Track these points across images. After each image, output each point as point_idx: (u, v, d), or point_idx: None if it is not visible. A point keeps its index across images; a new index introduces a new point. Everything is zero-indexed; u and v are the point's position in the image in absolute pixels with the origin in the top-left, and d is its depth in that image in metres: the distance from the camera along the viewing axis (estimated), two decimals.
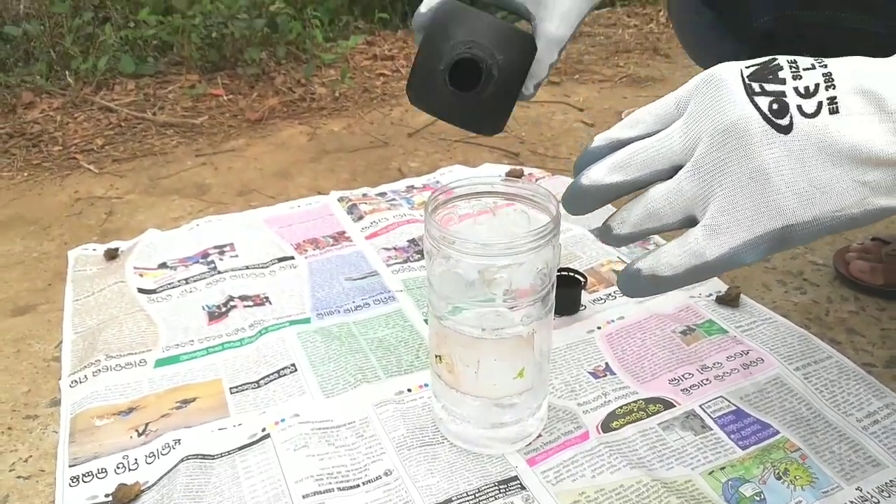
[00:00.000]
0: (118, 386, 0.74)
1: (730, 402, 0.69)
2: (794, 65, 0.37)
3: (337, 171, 1.28)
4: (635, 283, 0.40)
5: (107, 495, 0.61)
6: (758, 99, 0.36)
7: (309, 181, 1.25)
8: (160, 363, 0.77)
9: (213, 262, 0.97)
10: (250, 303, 0.87)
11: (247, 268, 0.95)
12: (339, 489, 0.60)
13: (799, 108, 0.36)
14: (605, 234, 0.43)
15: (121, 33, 1.82)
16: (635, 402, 0.69)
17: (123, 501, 0.60)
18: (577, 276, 0.85)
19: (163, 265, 0.97)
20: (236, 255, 0.98)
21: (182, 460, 0.63)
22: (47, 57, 1.72)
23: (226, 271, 0.94)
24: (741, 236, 0.37)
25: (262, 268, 0.95)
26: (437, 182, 1.20)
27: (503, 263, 0.55)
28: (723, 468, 0.62)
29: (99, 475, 0.63)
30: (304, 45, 1.85)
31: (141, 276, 0.94)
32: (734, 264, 0.38)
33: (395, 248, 0.98)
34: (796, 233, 0.37)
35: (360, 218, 1.06)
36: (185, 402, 0.72)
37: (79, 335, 0.83)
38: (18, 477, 0.64)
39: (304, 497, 0.59)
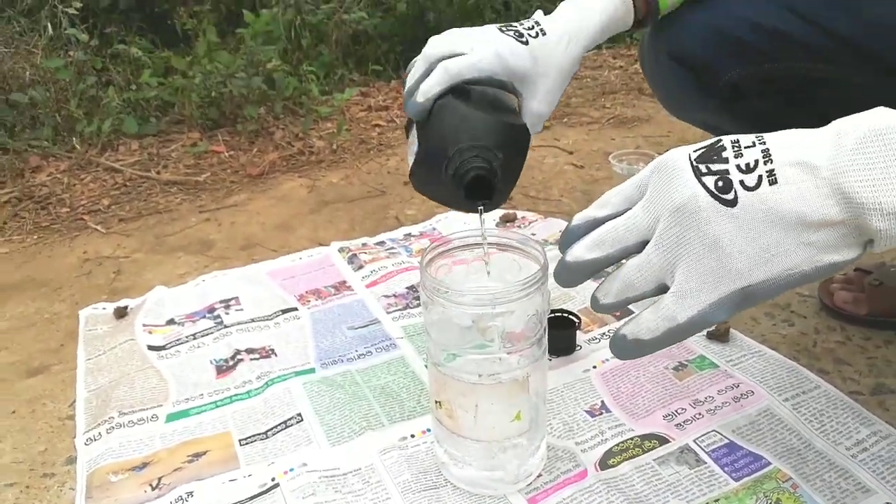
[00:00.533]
0: (131, 442, 0.76)
1: (722, 435, 0.71)
2: (736, 144, 0.42)
3: (336, 222, 1.32)
4: (623, 348, 0.45)
5: None
6: (705, 179, 0.41)
7: (310, 232, 1.28)
8: (171, 418, 0.80)
9: (219, 316, 1.00)
10: (256, 355, 0.90)
11: (252, 321, 0.98)
12: None
13: (741, 182, 0.40)
14: (594, 304, 0.48)
15: (123, 95, 1.88)
16: (631, 438, 0.72)
17: None
18: (571, 316, 0.88)
19: (171, 321, 1.00)
20: (241, 309, 1.01)
21: None
22: (53, 121, 1.78)
23: (232, 325, 0.97)
24: (706, 299, 0.41)
25: (267, 320, 0.98)
26: (434, 229, 1.24)
27: (496, 311, 0.58)
28: (717, 500, 0.64)
29: None
30: (300, 100, 1.91)
31: (150, 333, 0.97)
32: (705, 324, 0.42)
33: (395, 296, 1.01)
34: (756, 292, 0.41)
35: (361, 267, 1.09)
36: (197, 455, 0.74)
37: (92, 393, 0.86)
38: None
39: None
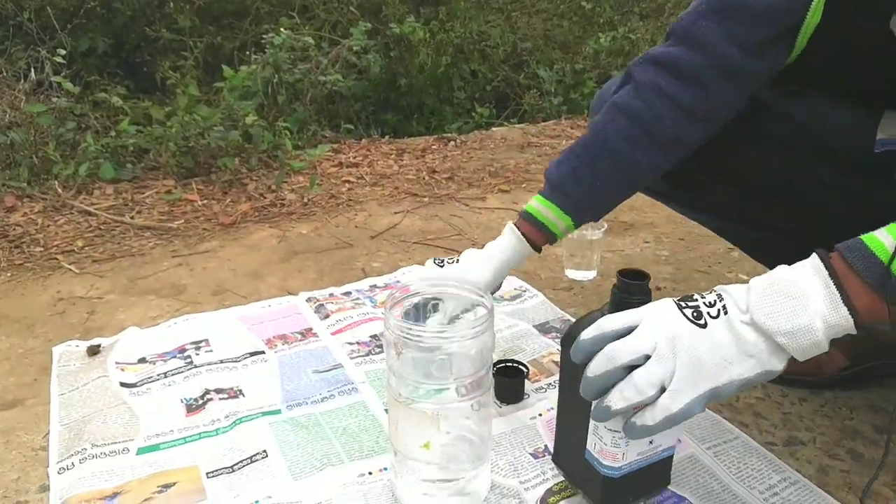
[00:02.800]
0: (103, 472, 0.81)
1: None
2: (701, 294, 0.62)
3: (305, 271, 1.39)
4: (634, 431, 0.61)
5: None
6: (685, 311, 0.60)
7: (279, 280, 1.35)
8: (142, 451, 0.85)
9: (189, 356, 1.05)
10: (225, 395, 0.95)
11: (221, 362, 1.03)
12: None
13: (708, 313, 0.59)
14: (601, 413, 0.61)
15: (101, 141, 1.94)
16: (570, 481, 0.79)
17: None
18: (520, 366, 0.95)
19: (142, 360, 1.05)
20: (211, 350, 1.07)
21: None
22: (30, 163, 1.83)
23: (202, 365, 1.02)
24: (689, 396, 0.58)
25: (236, 362, 1.04)
26: (398, 281, 1.31)
27: (451, 348, 0.67)
28: None
29: None
30: (274, 154, 2.00)
31: (122, 370, 1.02)
32: (689, 414, 0.59)
33: (358, 343, 1.08)
34: (721, 391, 0.58)
35: (327, 316, 1.16)
36: (166, 486, 0.79)
37: (65, 426, 0.90)
38: None
39: None
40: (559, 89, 3.12)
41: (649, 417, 0.59)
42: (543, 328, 1.12)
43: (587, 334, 0.62)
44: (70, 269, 1.40)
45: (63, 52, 2.06)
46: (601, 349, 0.61)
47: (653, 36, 3.44)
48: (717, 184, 0.94)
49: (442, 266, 0.95)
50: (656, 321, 0.60)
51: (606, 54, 3.34)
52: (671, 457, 0.72)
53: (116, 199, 1.77)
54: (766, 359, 0.57)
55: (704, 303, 0.60)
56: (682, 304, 0.60)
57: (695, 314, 0.59)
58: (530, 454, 0.83)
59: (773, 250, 1.06)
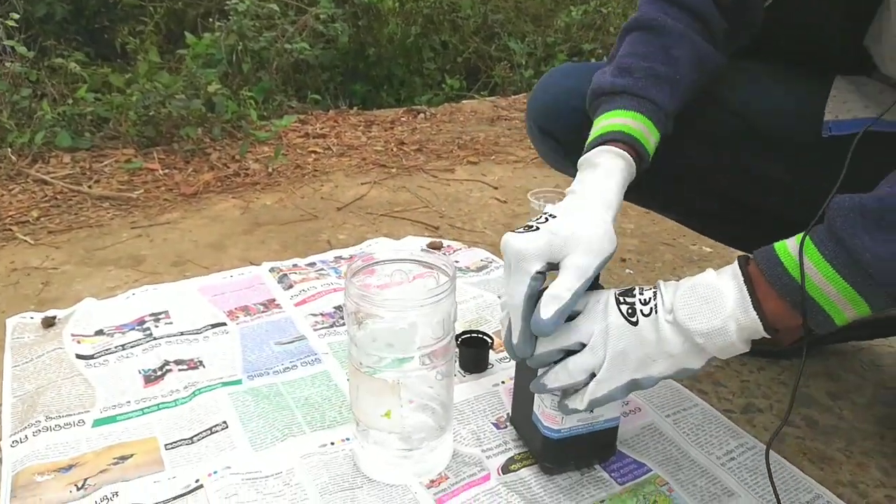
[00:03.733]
0: (58, 444, 0.79)
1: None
2: (641, 289, 0.65)
3: (268, 243, 1.37)
4: (565, 410, 0.67)
5: None
6: (621, 307, 0.63)
7: (241, 252, 1.33)
8: (98, 423, 0.83)
9: (148, 328, 1.03)
10: (185, 367, 0.94)
11: (181, 334, 1.02)
12: None
13: (641, 311, 0.62)
14: (539, 387, 0.67)
15: (58, 109, 1.88)
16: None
17: None
18: (485, 337, 0.95)
19: (100, 332, 1.02)
20: (171, 322, 1.05)
21: None
22: None
23: (161, 337, 1.00)
24: (613, 384, 0.63)
25: (196, 334, 1.02)
26: (363, 252, 1.30)
27: (413, 315, 0.66)
28: (602, 501, 0.72)
29: None
30: (238, 124, 1.95)
31: (78, 342, 0.99)
32: (611, 399, 0.64)
33: (322, 314, 1.07)
34: (641, 384, 0.63)
35: (290, 287, 1.15)
36: (123, 458, 0.78)
37: (18, 398, 0.87)
38: None
39: None
40: (530, 62, 3.10)
41: (578, 401, 0.65)
42: None
43: (546, 311, 0.65)
44: (25, 241, 1.36)
45: (16, 15, 1.98)
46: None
47: (624, 10, 3.43)
48: (666, 184, 0.90)
49: (537, 229, 0.67)
50: (596, 312, 0.64)
51: (578, 27, 3.33)
52: (616, 428, 0.75)
53: (74, 168, 1.72)
54: (683, 358, 0.61)
55: (640, 299, 0.63)
56: (622, 298, 0.64)
57: (629, 311, 0.63)
58: (493, 423, 0.83)
59: (723, 236, 1.06)
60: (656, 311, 0.62)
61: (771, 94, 0.83)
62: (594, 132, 0.74)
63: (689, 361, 0.61)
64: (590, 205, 0.67)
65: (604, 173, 0.70)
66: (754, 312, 0.57)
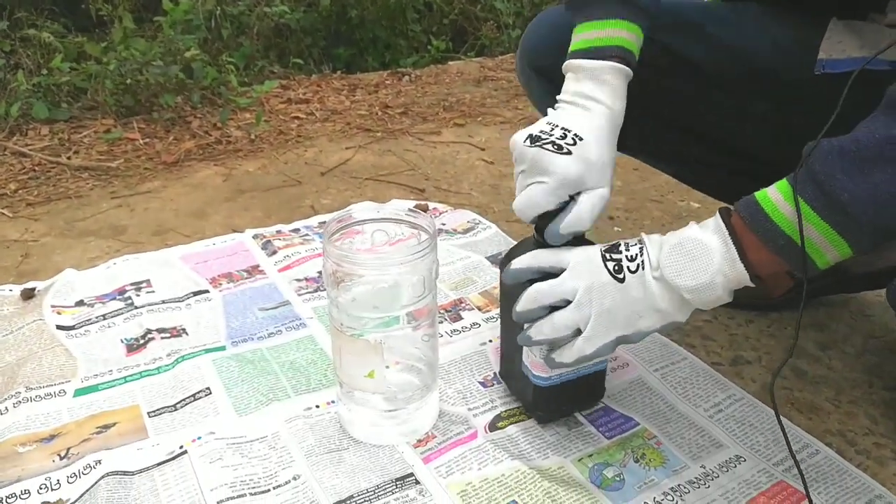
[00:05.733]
0: (39, 415, 0.78)
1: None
2: (626, 244, 0.64)
3: (251, 210, 1.35)
4: (552, 364, 0.67)
5: None
6: (608, 264, 0.63)
7: (224, 220, 1.31)
8: (79, 392, 0.82)
9: (129, 298, 1.01)
10: (167, 335, 0.92)
11: (163, 302, 1.00)
12: (251, 494, 0.67)
13: (628, 268, 0.62)
14: (525, 340, 0.67)
15: (33, 80, 1.83)
16: (519, 406, 0.79)
17: None
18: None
19: (80, 303, 1.01)
20: (153, 291, 1.03)
21: (103, 477, 0.68)
22: None
23: (143, 306, 0.99)
24: (600, 341, 0.63)
25: (178, 301, 1.00)
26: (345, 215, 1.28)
27: (394, 273, 0.65)
28: (590, 455, 0.72)
29: (22, 496, 0.67)
30: (219, 90, 1.91)
31: (59, 313, 0.98)
32: (599, 355, 0.65)
33: (306, 279, 1.05)
34: (629, 339, 0.63)
35: (274, 253, 1.13)
36: (105, 427, 0.77)
37: None
38: None
39: (218, 502, 0.65)
40: (517, 22, 3.04)
41: (566, 356, 0.65)
42: (495, 259, 1.11)
43: (519, 263, 0.68)
44: (3, 213, 1.34)
45: None
46: (528, 279, 0.66)
47: None
48: (653, 123, 0.90)
49: (568, 152, 0.65)
50: (581, 269, 0.63)
51: None
52: (604, 371, 0.76)
53: (52, 139, 1.68)
54: (672, 312, 0.61)
55: (627, 256, 0.63)
56: (608, 255, 0.63)
57: (615, 267, 0.62)
58: (479, 382, 0.83)
59: (716, 186, 1.05)
60: (643, 268, 0.61)
61: (764, 32, 0.82)
62: (589, 39, 0.70)
63: (676, 315, 0.62)
64: (608, 131, 0.68)
65: (612, 92, 0.68)
66: (741, 264, 0.58)
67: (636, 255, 0.62)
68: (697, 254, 0.59)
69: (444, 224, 1.24)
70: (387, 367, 0.70)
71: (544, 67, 0.90)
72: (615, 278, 0.62)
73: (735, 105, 0.84)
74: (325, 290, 1.02)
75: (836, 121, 0.59)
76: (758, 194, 0.59)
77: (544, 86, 0.92)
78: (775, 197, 0.57)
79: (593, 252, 0.64)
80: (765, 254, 0.58)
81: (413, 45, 2.92)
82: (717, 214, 0.60)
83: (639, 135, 0.93)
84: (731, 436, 0.75)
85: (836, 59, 0.77)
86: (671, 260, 0.60)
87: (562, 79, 0.88)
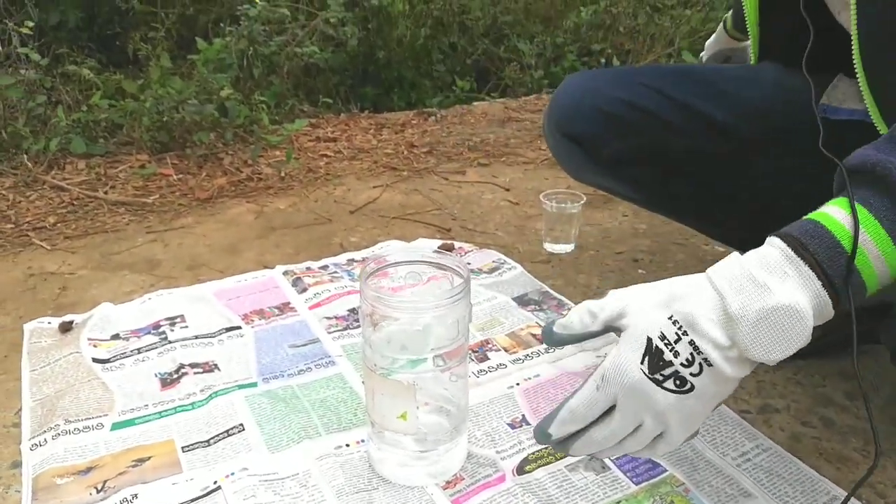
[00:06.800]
0: (77, 448, 0.80)
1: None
2: (668, 345, 0.53)
3: (282, 247, 1.38)
4: (637, 455, 0.60)
5: None
6: (665, 385, 0.53)
7: (256, 256, 1.34)
8: (116, 426, 0.84)
9: (164, 332, 1.04)
10: (200, 370, 0.95)
11: (196, 337, 1.02)
12: None
13: (690, 374, 0.52)
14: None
15: (73, 116, 1.90)
16: (546, 448, 0.79)
17: None
18: None
19: (116, 336, 1.03)
20: (186, 326, 1.06)
21: None
22: None
23: (176, 341, 1.01)
24: (686, 435, 0.57)
25: (211, 337, 1.03)
26: (376, 255, 1.30)
27: (428, 317, 0.67)
28: (619, 501, 0.72)
29: None
30: (251, 128, 1.97)
31: (95, 346, 1.00)
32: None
33: (336, 317, 1.07)
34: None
35: (304, 290, 1.15)
36: (141, 460, 0.78)
37: (37, 402, 0.89)
38: None
39: None
40: (540, 63, 3.09)
41: (649, 454, 0.60)
42: (522, 300, 1.12)
43: (559, 433, 0.59)
44: (41, 246, 1.38)
45: (31, 23, 2.00)
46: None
47: (634, 9, 3.41)
48: (674, 180, 0.94)
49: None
50: (638, 409, 0.55)
51: (587, 28, 3.32)
52: None
53: (89, 174, 1.73)
54: (750, 369, 0.54)
55: (681, 363, 0.52)
56: (658, 376, 0.53)
57: (677, 383, 0.53)
58: (507, 424, 0.83)
59: (735, 238, 1.07)
60: (710, 365, 0.52)
61: (777, 88, 0.86)
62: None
63: (746, 373, 0.54)
64: None
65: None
66: (832, 312, 0.52)
67: (691, 356, 0.52)
68: (789, 326, 0.50)
69: (469, 263, 1.26)
70: (417, 407, 0.71)
71: (569, 132, 0.94)
72: (681, 392, 0.53)
73: (755, 159, 0.87)
74: (354, 328, 1.04)
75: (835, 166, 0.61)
76: (824, 222, 0.52)
77: (569, 147, 0.95)
78: (832, 210, 0.52)
79: (636, 380, 0.53)
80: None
81: (438, 85, 2.98)
82: (802, 263, 0.51)
83: (657, 190, 0.96)
84: (759, 486, 0.75)
85: (836, 107, 0.80)
86: (757, 340, 0.51)
87: (587, 140, 0.92)
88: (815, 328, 0.95)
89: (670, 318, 0.53)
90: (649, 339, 0.54)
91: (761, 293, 0.51)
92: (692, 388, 0.52)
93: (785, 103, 0.86)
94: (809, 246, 0.52)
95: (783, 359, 0.51)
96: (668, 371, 0.53)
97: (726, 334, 0.51)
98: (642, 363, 0.54)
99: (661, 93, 0.87)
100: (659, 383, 0.53)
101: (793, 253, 0.52)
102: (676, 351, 0.52)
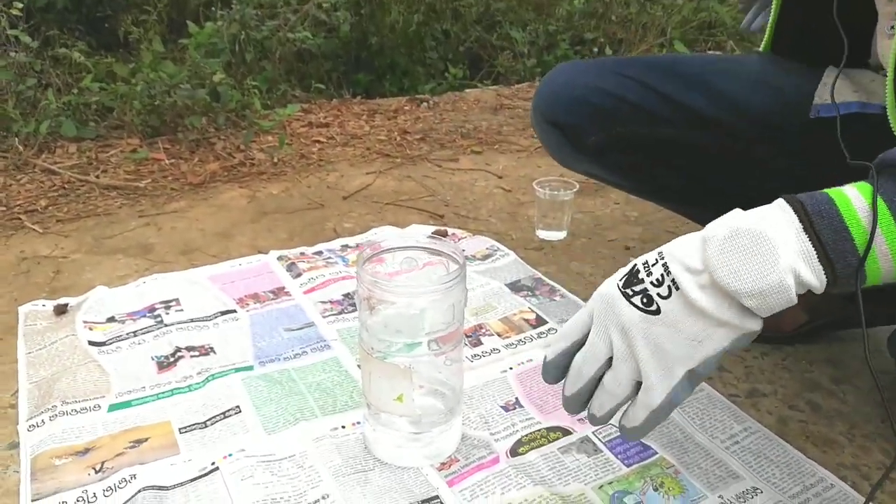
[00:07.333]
0: (74, 429, 0.80)
1: (617, 428, 0.81)
2: (645, 265, 0.55)
3: (275, 232, 1.38)
4: (625, 434, 0.58)
5: None
6: (633, 300, 0.54)
7: (249, 241, 1.34)
8: (113, 408, 0.84)
9: (159, 316, 1.04)
10: (196, 353, 0.95)
11: (192, 321, 1.03)
12: None
13: (658, 294, 0.53)
14: (592, 421, 0.60)
15: (63, 99, 1.88)
16: (539, 430, 0.81)
17: None
18: None
19: (111, 319, 1.04)
20: (182, 310, 1.06)
21: (139, 491, 0.70)
22: None
23: (172, 324, 1.02)
24: (667, 385, 0.54)
25: (207, 321, 1.03)
26: (370, 241, 1.31)
27: (423, 301, 0.67)
28: (610, 483, 0.74)
29: None
30: (243, 113, 1.96)
31: (90, 329, 1.00)
32: (673, 405, 0.55)
33: (330, 302, 1.08)
34: (700, 371, 0.54)
35: (299, 275, 1.16)
36: (138, 441, 0.79)
37: (34, 384, 0.89)
38: None
39: None
40: (532, 51, 3.09)
41: (633, 418, 0.56)
42: (515, 286, 1.13)
43: (550, 353, 0.61)
44: (34, 229, 1.37)
45: (20, 4, 1.98)
46: (568, 363, 0.59)
47: None
48: (658, 169, 0.95)
49: None
50: (606, 320, 0.56)
51: (580, 16, 3.32)
52: None
53: (80, 157, 1.72)
54: (738, 323, 0.51)
55: (651, 282, 0.53)
56: (629, 291, 0.54)
57: (644, 301, 0.53)
58: (501, 407, 0.85)
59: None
60: (677, 288, 0.52)
61: (764, 81, 0.86)
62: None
63: (745, 325, 0.51)
64: None
65: None
66: (821, 268, 0.50)
67: (662, 276, 0.53)
68: (759, 249, 0.49)
69: (463, 250, 1.27)
70: (413, 390, 0.72)
71: (555, 120, 0.95)
72: (648, 312, 0.53)
73: (737, 151, 0.88)
74: (348, 312, 1.05)
75: (833, 162, 0.62)
76: (837, 202, 0.51)
77: (555, 136, 0.97)
78: (861, 208, 0.50)
79: (609, 292, 0.56)
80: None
81: (430, 72, 2.97)
82: (783, 202, 0.52)
83: (644, 179, 0.98)
84: (748, 468, 0.76)
85: (830, 104, 0.80)
86: (724, 258, 0.50)
87: (571, 129, 0.93)
88: (801, 314, 0.97)
89: (659, 251, 0.55)
90: (634, 264, 0.56)
91: (736, 218, 0.52)
92: (658, 310, 0.53)
93: (770, 98, 0.86)
94: (816, 223, 0.50)
95: (756, 291, 0.49)
96: (637, 287, 0.54)
97: (700, 257, 0.52)
98: (620, 280, 0.56)
99: (645, 85, 0.89)
100: (628, 297, 0.54)
101: (787, 203, 0.51)
102: (651, 272, 0.54)
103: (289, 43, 2.45)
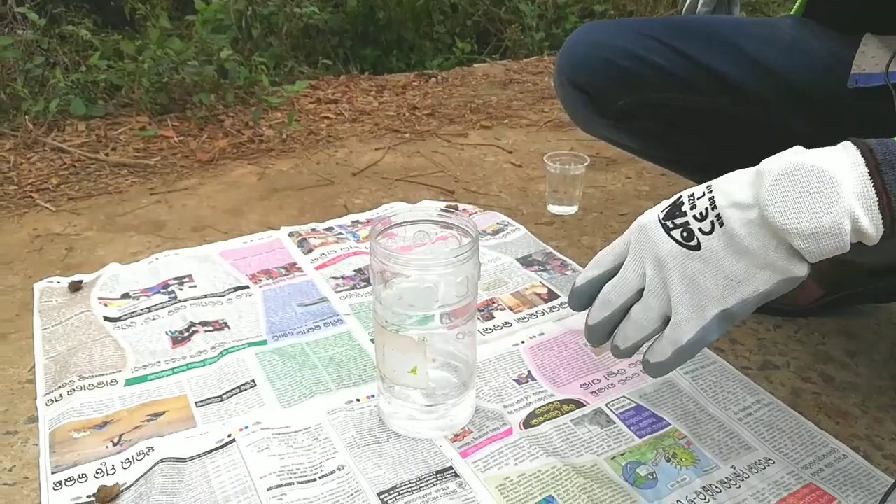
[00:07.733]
0: (92, 403, 0.81)
1: (631, 400, 0.81)
2: (691, 197, 0.52)
3: (286, 208, 1.38)
4: (649, 370, 0.56)
5: (89, 496, 0.69)
6: (673, 233, 0.52)
7: (260, 217, 1.34)
8: (130, 382, 0.85)
9: (173, 291, 1.05)
10: (210, 328, 0.96)
11: (205, 296, 1.03)
12: (298, 482, 0.70)
13: (700, 230, 0.50)
14: (616, 352, 0.58)
15: (71, 77, 1.88)
16: (552, 402, 0.81)
17: (105, 500, 0.67)
18: None
19: (125, 295, 1.04)
20: (195, 286, 1.07)
21: (157, 462, 0.71)
22: None
23: (186, 300, 1.02)
24: (697, 324, 0.51)
25: (220, 296, 1.04)
26: (381, 216, 1.31)
27: (436, 274, 0.68)
28: (623, 454, 0.74)
29: (80, 480, 0.71)
30: (251, 90, 1.95)
31: (105, 305, 1.01)
32: (702, 343, 0.52)
33: (342, 277, 1.08)
34: (735, 312, 0.51)
35: (310, 251, 1.16)
36: (155, 415, 0.80)
37: (51, 360, 0.90)
38: (4, 484, 0.71)
39: (268, 490, 0.68)
40: (541, 24, 3.06)
41: (658, 352, 0.54)
42: (526, 261, 1.13)
43: (579, 280, 0.59)
44: (46, 207, 1.38)
45: None
46: (596, 293, 0.57)
47: None
48: (685, 137, 0.92)
49: None
50: (642, 250, 0.53)
51: None
52: None
53: (89, 135, 1.72)
54: (784, 266, 0.47)
55: (694, 216, 0.51)
56: (669, 223, 0.52)
57: (684, 234, 0.51)
58: (514, 380, 0.85)
59: None
60: (721, 224, 0.49)
61: (798, 48, 0.84)
62: None
63: (790, 270, 0.48)
64: None
65: None
66: (880, 216, 0.46)
67: (706, 210, 0.50)
68: (817, 187, 0.45)
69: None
70: (426, 363, 0.73)
71: (580, 83, 0.92)
72: (687, 247, 0.50)
73: (768, 121, 0.86)
74: (360, 287, 1.05)
75: (872, 133, 0.61)
76: None
77: (580, 99, 0.94)
78: None
79: (648, 222, 0.53)
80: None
81: (438, 47, 2.95)
82: (849, 144, 0.48)
83: (669, 146, 0.96)
84: (760, 439, 0.77)
85: (869, 74, 0.78)
86: (777, 193, 0.46)
87: (597, 92, 0.89)
88: (817, 287, 0.96)
89: (708, 184, 0.52)
90: (679, 196, 0.53)
91: (796, 153, 0.48)
92: (698, 245, 0.50)
93: (805, 67, 0.84)
94: (884, 171, 0.46)
95: (810, 231, 0.45)
96: (679, 220, 0.51)
97: (751, 192, 0.48)
98: (662, 211, 0.53)
99: (674, 49, 0.86)
100: (668, 230, 0.52)
101: (854, 146, 0.48)
102: (695, 204, 0.51)
103: (295, 18, 2.44)
